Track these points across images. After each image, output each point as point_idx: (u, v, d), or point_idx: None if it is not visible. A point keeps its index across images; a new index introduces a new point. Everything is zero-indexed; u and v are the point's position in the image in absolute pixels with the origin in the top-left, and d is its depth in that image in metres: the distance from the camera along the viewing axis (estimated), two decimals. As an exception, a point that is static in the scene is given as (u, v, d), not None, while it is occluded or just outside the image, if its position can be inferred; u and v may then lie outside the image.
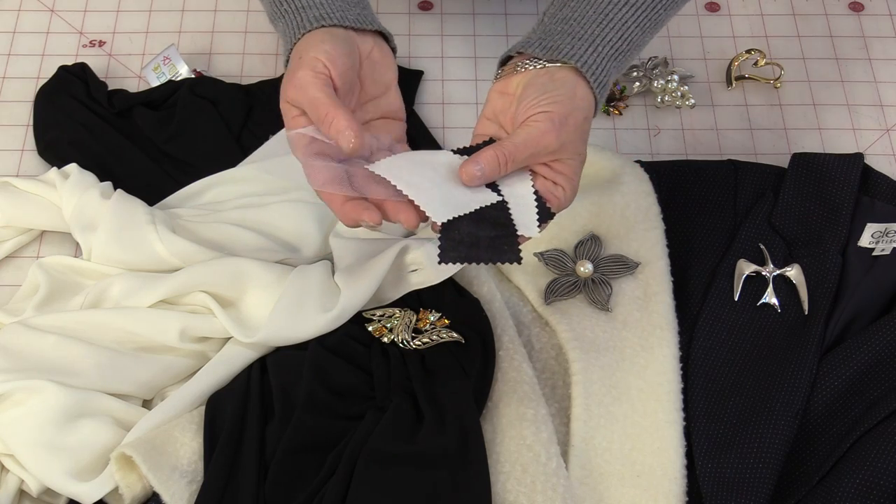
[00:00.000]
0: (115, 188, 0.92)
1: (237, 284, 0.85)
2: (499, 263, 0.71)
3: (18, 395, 0.78)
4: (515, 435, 0.79)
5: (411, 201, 0.70)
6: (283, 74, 0.76)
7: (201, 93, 1.01)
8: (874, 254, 0.91)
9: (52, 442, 0.77)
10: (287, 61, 0.77)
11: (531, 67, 0.75)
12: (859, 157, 0.96)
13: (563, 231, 0.93)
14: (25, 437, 0.77)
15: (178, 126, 0.99)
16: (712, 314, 0.88)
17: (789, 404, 0.83)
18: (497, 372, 0.83)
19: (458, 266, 0.85)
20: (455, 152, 0.75)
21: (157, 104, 1.02)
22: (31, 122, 1.01)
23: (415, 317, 0.85)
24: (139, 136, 1.00)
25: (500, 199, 0.72)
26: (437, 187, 0.71)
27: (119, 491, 0.78)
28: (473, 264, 0.89)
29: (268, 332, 0.82)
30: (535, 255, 0.91)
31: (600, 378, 0.84)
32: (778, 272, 0.90)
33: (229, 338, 0.85)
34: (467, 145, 0.75)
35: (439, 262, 0.69)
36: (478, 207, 0.71)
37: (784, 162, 0.98)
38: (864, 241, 0.92)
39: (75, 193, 0.90)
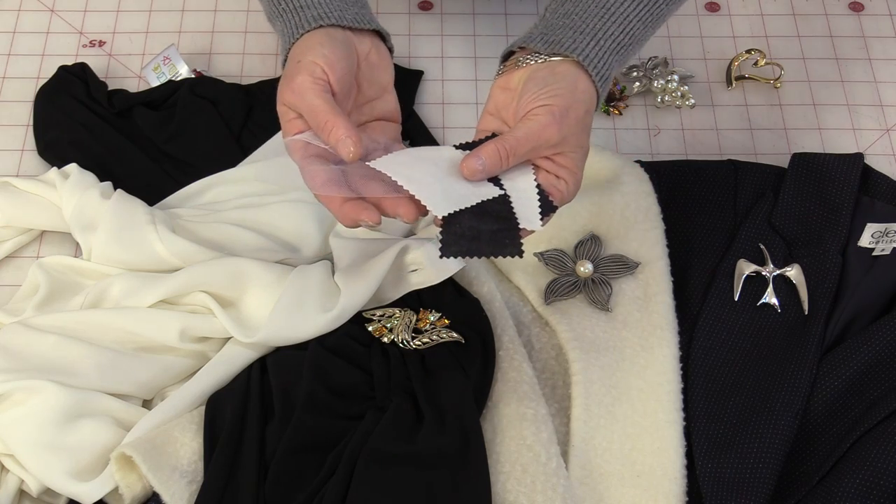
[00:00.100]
0: (115, 188, 0.92)
1: (237, 284, 0.85)
2: (500, 258, 0.71)
3: (18, 395, 0.78)
4: (515, 435, 0.79)
5: (411, 196, 0.70)
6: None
7: (201, 93, 1.01)
8: (874, 254, 0.91)
9: (52, 442, 0.77)
10: (285, 60, 0.77)
11: (532, 62, 0.75)
12: (859, 157, 0.96)
13: (563, 231, 0.93)
14: (25, 437, 0.77)
15: (178, 126, 0.99)
16: (712, 314, 0.88)
17: (789, 404, 0.83)
18: (497, 372, 0.83)
19: (459, 266, 0.85)
20: (457, 147, 0.75)
21: (157, 104, 1.02)
22: (31, 122, 1.01)
23: (415, 317, 0.85)
24: (139, 136, 1.00)
25: (501, 192, 0.72)
26: (438, 182, 0.71)
27: (119, 491, 0.78)
28: (474, 263, 0.89)
29: (268, 332, 0.82)
30: (535, 255, 0.91)
31: (600, 378, 0.84)
32: (778, 272, 0.90)
33: (229, 338, 0.85)
34: (470, 141, 0.75)
35: (441, 256, 0.69)
36: (479, 201, 0.71)
37: (784, 162, 0.98)
38: (864, 241, 0.92)
39: (75, 193, 0.90)
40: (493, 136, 0.74)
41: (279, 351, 0.84)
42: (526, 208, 0.72)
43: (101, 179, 0.94)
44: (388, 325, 0.85)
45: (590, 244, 0.91)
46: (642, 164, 0.96)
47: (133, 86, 1.06)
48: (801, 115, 1.06)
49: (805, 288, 0.89)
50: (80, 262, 0.90)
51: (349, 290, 0.84)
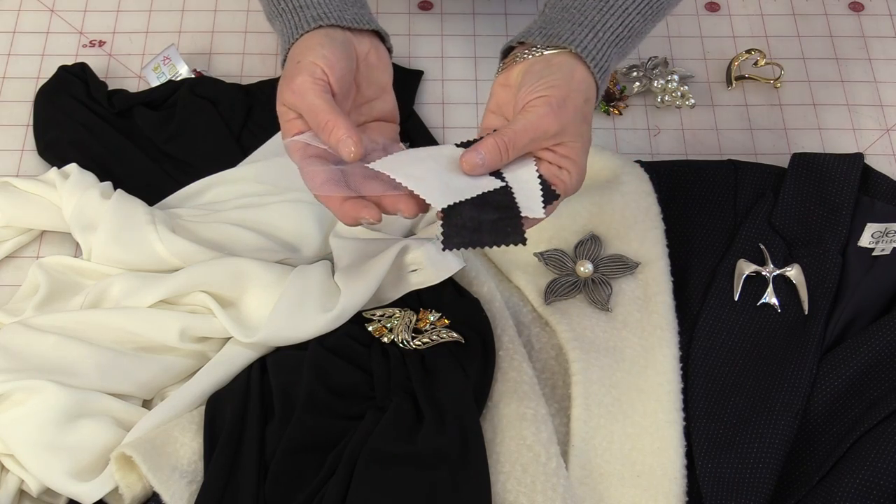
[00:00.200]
0: (115, 188, 0.92)
1: (237, 284, 0.85)
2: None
3: (18, 395, 0.78)
4: (515, 435, 0.79)
5: (411, 192, 0.70)
6: (282, 74, 0.76)
7: (201, 93, 1.01)
8: (874, 254, 0.91)
9: (52, 442, 0.77)
10: (284, 60, 0.77)
11: (529, 56, 0.75)
12: (859, 157, 0.96)
13: (563, 231, 0.93)
14: (25, 437, 0.77)
15: (178, 126, 0.99)
16: (712, 314, 0.88)
17: (789, 404, 0.83)
18: (497, 372, 0.83)
19: (459, 266, 0.85)
20: (458, 146, 0.74)
21: (157, 104, 1.02)
22: (31, 122, 1.01)
23: (415, 317, 0.85)
24: (139, 136, 1.00)
25: (503, 185, 0.71)
26: (437, 177, 0.71)
27: (119, 491, 0.78)
28: (474, 263, 0.89)
29: (268, 332, 0.82)
30: (535, 255, 0.91)
31: (600, 378, 0.84)
32: (778, 272, 0.90)
33: (229, 338, 0.85)
34: (472, 139, 0.75)
35: (443, 249, 0.68)
36: (480, 193, 0.70)
37: (784, 162, 0.98)
38: (864, 241, 0.92)
39: (75, 193, 0.90)
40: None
41: (279, 351, 0.84)
42: (528, 198, 0.71)
43: (101, 179, 0.94)
44: (388, 325, 0.85)
45: (590, 244, 0.91)
46: (642, 164, 0.96)
47: (133, 86, 1.06)
48: (801, 115, 1.06)
49: (805, 288, 0.89)
50: (80, 262, 0.90)
51: (349, 290, 0.84)
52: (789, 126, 1.05)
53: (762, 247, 0.92)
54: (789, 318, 0.88)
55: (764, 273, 0.90)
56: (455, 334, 0.84)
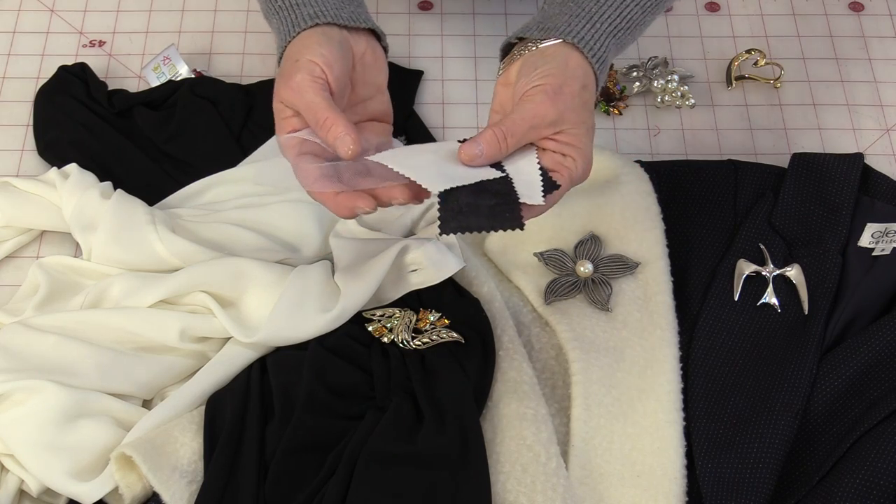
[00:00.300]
0: (115, 188, 0.92)
1: (237, 284, 0.85)
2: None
3: (18, 395, 0.78)
4: (515, 435, 0.79)
5: (407, 182, 0.69)
6: (282, 74, 0.76)
7: (201, 93, 1.01)
8: (874, 254, 0.91)
9: (52, 442, 0.77)
10: (280, 58, 0.77)
11: (526, 52, 0.75)
12: (859, 157, 0.96)
13: (563, 231, 0.93)
14: (25, 437, 0.77)
15: (178, 126, 0.99)
16: (712, 314, 0.88)
17: (789, 404, 0.83)
18: (497, 372, 0.83)
19: (459, 266, 0.85)
20: (461, 143, 0.74)
21: (157, 104, 1.02)
22: (31, 122, 1.01)
23: (415, 317, 0.85)
24: (139, 136, 1.00)
25: (503, 175, 0.71)
26: (436, 167, 0.70)
27: (119, 491, 0.78)
28: (474, 263, 0.89)
29: (268, 332, 0.82)
30: (535, 255, 0.91)
31: (600, 378, 0.84)
32: (778, 272, 0.90)
33: (229, 338, 0.85)
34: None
35: (440, 234, 0.68)
36: (479, 180, 0.70)
37: (784, 162, 0.98)
38: (864, 241, 0.92)
39: (75, 193, 0.90)
40: None
41: (279, 351, 0.84)
42: (527, 187, 0.70)
43: (101, 179, 0.94)
44: (388, 325, 0.85)
45: (590, 244, 0.91)
46: (642, 164, 0.96)
47: (133, 86, 1.06)
48: (801, 115, 1.06)
49: (805, 288, 0.89)
50: (80, 262, 0.90)
51: (349, 290, 0.84)
52: (789, 126, 1.05)
53: (762, 247, 0.92)
54: (789, 318, 0.88)
55: (764, 273, 0.90)
56: (455, 334, 0.84)
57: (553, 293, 0.89)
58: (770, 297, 0.89)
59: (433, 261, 0.85)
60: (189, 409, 0.82)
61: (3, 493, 0.78)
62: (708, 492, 0.79)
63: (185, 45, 1.09)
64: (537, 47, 0.75)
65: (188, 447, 0.79)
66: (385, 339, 0.84)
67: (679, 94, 1.05)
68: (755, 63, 1.08)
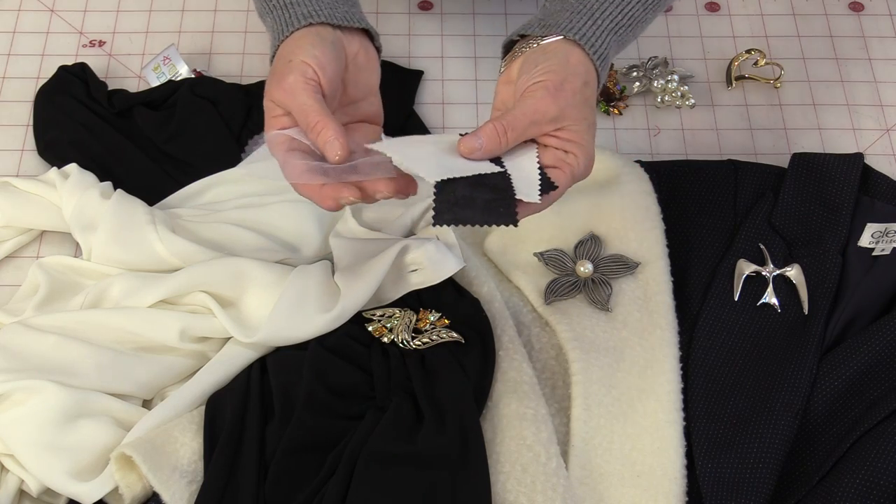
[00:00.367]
0: (115, 188, 0.92)
1: (237, 284, 0.85)
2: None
3: (18, 395, 0.78)
4: (515, 435, 0.79)
5: (392, 175, 0.69)
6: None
7: (201, 93, 1.01)
8: (874, 254, 0.91)
9: (52, 442, 0.77)
10: (273, 56, 0.77)
11: (527, 49, 0.75)
12: (859, 157, 0.96)
13: (563, 231, 0.93)
14: (25, 437, 0.77)
15: (178, 126, 0.99)
16: (712, 314, 0.88)
17: (789, 404, 0.83)
18: (497, 372, 0.83)
19: (459, 266, 0.85)
20: (462, 136, 0.74)
21: (157, 104, 1.02)
22: (31, 122, 1.01)
23: (415, 317, 0.85)
24: (139, 136, 1.00)
25: (501, 170, 0.71)
26: (434, 158, 0.70)
27: (119, 491, 0.78)
28: (474, 263, 0.89)
29: (268, 332, 0.82)
30: (535, 255, 0.91)
31: (600, 378, 0.84)
32: (778, 272, 0.90)
33: (229, 338, 0.85)
34: None
35: (434, 225, 0.68)
36: (476, 174, 0.69)
37: (784, 162, 0.98)
38: (864, 241, 0.92)
39: (75, 193, 0.90)
40: None
41: (279, 351, 0.84)
42: (525, 184, 0.70)
43: (101, 179, 0.94)
44: (388, 325, 0.85)
45: (590, 244, 0.91)
46: (642, 164, 0.96)
47: (133, 86, 1.06)
48: (801, 115, 1.06)
49: (805, 288, 0.89)
50: (80, 262, 0.90)
51: (349, 290, 0.84)
52: (789, 126, 1.06)
53: (762, 247, 0.92)
54: (789, 318, 0.88)
55: (764, 273, 0.90)
56: (455, 334, 0.84)
57: (553, 293, 0.89)
58: (770, 297, 0.89)
59: (433, 261, 0.85)
60: (189, 409, 0.82)
61: (3, 493, 0.78)
62: (708, 492, 0.79)
63: (185, 45, 1.09)
64: (539, 44, 0.75)
65: (188, 447, 0.79)
66: (385, 339, 0.84)
67: (679, 94, 1.05)
68: (755, 63, 1.08)
